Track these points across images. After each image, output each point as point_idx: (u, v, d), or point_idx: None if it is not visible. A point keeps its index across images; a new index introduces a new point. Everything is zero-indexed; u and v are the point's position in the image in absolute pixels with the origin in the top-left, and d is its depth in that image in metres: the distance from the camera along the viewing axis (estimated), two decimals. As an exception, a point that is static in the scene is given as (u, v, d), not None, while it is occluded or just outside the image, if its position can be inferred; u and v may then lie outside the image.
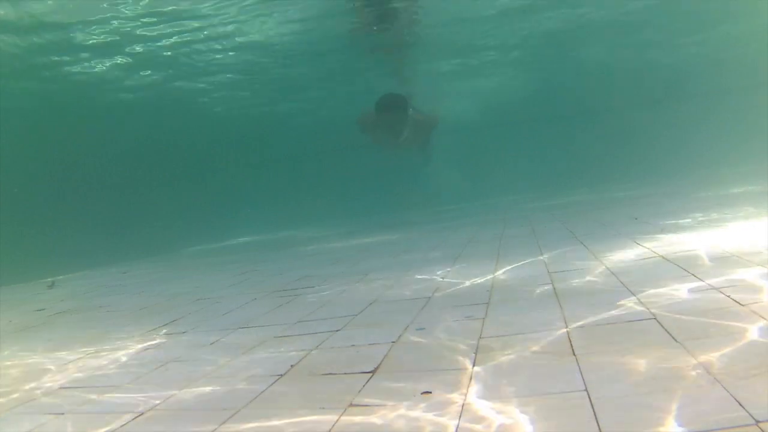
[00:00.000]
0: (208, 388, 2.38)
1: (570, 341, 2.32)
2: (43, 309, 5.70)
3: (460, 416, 1.75)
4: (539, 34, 13.93)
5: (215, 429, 1.92)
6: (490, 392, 1.91)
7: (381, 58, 13.30)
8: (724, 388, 1.65)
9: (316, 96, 17.17)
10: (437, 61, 14.68)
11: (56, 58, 11.21)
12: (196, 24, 10.58)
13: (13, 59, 10.67)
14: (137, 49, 11.42)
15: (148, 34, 10.74)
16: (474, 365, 2.20)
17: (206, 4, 9.68)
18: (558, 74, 18.76)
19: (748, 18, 15.21)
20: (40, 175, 14.97)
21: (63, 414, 2.29)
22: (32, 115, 13.83)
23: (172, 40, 11.02)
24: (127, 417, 2.15)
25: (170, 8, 9.61)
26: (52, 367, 3.11)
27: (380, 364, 2.38)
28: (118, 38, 10.68)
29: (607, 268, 3.68)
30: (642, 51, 17.59)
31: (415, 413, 1.83)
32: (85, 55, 11.29)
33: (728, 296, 2.60)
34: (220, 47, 12.00)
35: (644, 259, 3.84)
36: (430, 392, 1.98)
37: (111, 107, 14.72)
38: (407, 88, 14.35)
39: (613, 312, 2.65)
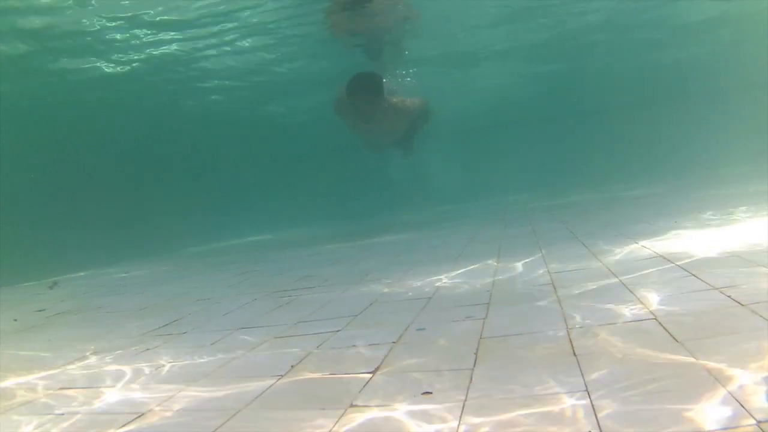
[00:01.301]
0: (208, 389, 2.38)
1: (571, 340, 2.31)
2: (44, 309, 5.70)
3: (460, 416, 1.75)
4: (538, 29, 13.81)
5: (215, 429, 1.92)
6: (491, 391, 1.91)
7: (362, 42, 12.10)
8: (723, 386, 1.65)
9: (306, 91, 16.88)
10: (429, 48, 14.18)
11: (57, 60, 11.23)
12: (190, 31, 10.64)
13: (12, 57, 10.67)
14: (136, 55, 11.49)
15: (146, 38, 10.80)
16: (475, 365, 2.20)
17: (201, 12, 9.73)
18: (558, 73, 18.72)
19: (748, 19, 15.21)
20: (41, 175, 14.96)
21: (63, 414, 2.29)
22: (33, 114, 13.84)
23: (169, 36, 11.01)
24: (127, 418, 2.15)
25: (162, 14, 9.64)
26: (53, 368, 3.11)
27: (381, 364, 2.37)
28: (117, 41, 10.73)
29: (607, 268, 3.68)
30: (643, 51, 17.57)
31: (416, 414, 1.82)
32: (83, 57, 11.33)
33: (728, 296, 2.60)
34: (213, 50, 12.01)
35: (644, 259, 3.84)
36: (431, 392, 1.97)
37: (111, 107, 14.73)
38: (390, 71, 13.51)
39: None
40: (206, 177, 21.69)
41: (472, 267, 4.59)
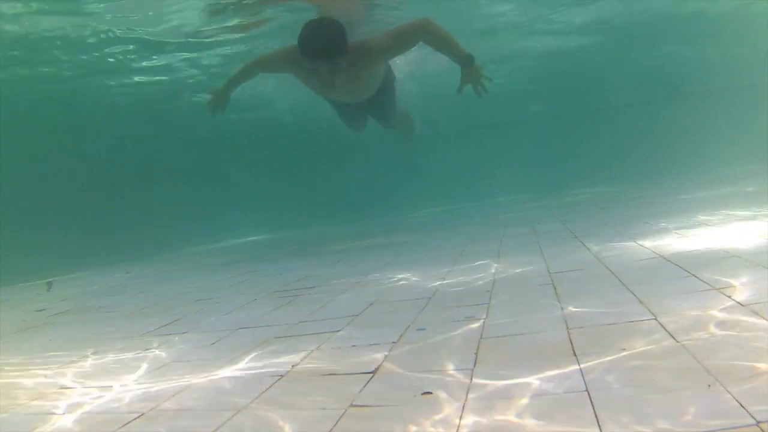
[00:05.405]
0: (208, 388, 2.39)
1: (571, 340, 2.32)
2: (44, 309, 5.71)
3: (461, 416, 1.75)
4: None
5: (216, 429, 1.93)
6: (490, 391, 1.91)
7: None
8: (722, 386, 1.65)
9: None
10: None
11: (56, 58, 11.24)
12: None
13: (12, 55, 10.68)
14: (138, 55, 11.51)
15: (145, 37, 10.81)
16: (475, 364, 2.20)
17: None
18: (557, 72, 18.67)
19: (749, 20, 15.19)
20: (40, 175, 14.98)
21: (63, 414, 2.30)
22: (32, 113, 13.84)
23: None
24: (129, 417, 2.16)
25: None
26: (53, 367, 3.12)
27: (381, 364, 2.38)
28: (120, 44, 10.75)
29: (607, 267, 3.68)
30: (644, 51, 17.54)
31: (416, 413, 1.83)
32: (84, 58, 11.35)
33: (729, 296, 2.60)
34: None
35: (644, 259, 3.85)
36: (431, 392, 1.98)
37: (112, 106, 14.73)
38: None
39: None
40: (207, 176, 21.70)
41: (473, 267, 4.59)
